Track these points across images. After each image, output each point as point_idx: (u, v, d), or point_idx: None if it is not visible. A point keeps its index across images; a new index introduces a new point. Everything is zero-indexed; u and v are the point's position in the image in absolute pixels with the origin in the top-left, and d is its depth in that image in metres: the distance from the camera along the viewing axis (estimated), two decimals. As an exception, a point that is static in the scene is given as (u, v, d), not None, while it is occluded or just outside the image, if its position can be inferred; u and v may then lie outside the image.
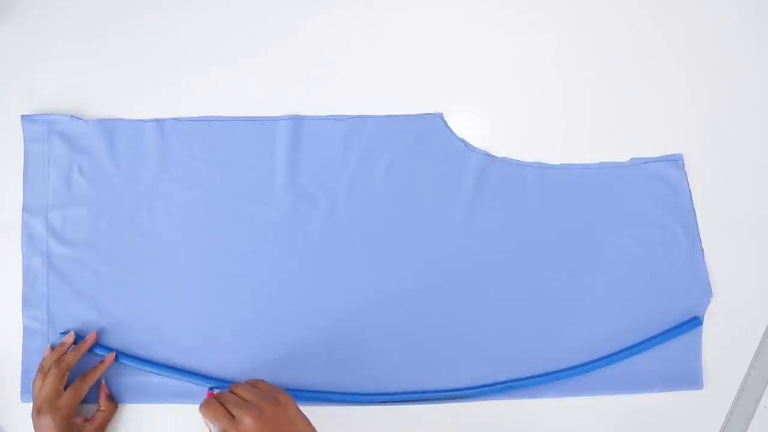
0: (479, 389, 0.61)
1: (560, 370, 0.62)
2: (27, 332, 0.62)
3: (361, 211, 0.64)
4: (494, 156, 0.65)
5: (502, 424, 0.62)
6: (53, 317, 0.62)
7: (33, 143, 0.64)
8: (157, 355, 0.62)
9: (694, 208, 0.65)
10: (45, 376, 0.58)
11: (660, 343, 0.62)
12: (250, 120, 0.65)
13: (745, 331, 0.64)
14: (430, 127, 0.65)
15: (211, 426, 0.48)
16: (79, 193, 0.64)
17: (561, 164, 0.65)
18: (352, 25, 0.67)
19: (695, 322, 0.63)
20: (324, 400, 0.61)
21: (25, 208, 0.63)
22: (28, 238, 0.63)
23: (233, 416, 0.47)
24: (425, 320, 0.63)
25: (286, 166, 0.64)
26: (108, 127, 0.64)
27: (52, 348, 0.61)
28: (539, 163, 0.65)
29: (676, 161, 0.65)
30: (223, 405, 0.48)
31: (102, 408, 0.60)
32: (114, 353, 0.61)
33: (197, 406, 0.49)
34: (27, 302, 0.62)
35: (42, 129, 0.64)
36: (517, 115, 0.66)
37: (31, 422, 0.57)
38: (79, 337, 0.61)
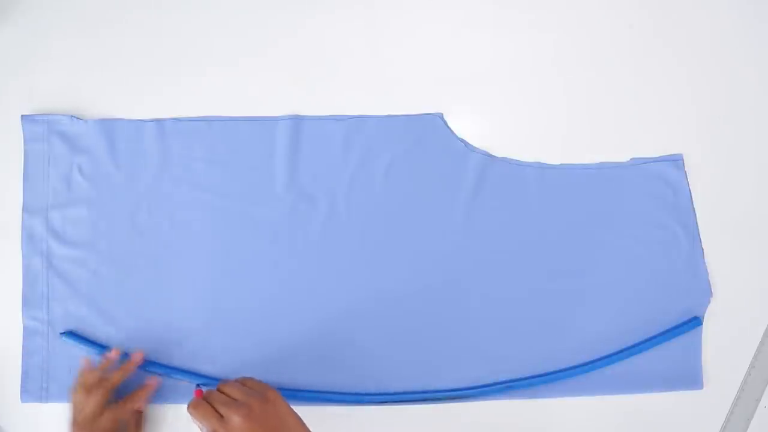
0: (479, 389, 0.61)
1: (560, 370, 0.62)
2: (27, 332, 0.62)
3: (361, 211, 0.64)
4: (494, 156, 0.65)
5: (502, 424, 0.62)
6: (53, 317, 0.62)
7: (33, 143, 0.64)
8: (157, 355, 0.62)
9: (694, 208, 0.65)
10: (88, 392, 0.56)
11: (660, 343, 0.62)
12: (250, 120, 0.65)
13: (745, 331, 0.64)
14: (430, 127, 0.65)
15: (200, 426, 0.48)
16: (79, 193, 0.64)
17: (561, 164, 0.65)
18: (352, 25, 0.67)
19: (695, 322, 0.63)
20: (324, 400, 0.61)
21: (25, 208, 0.63)
22: (28, 238, 0.63)
23: (222, 416, 0.47)
24: (425, 320, 0.63)
25: (286, 166, 0.64)
26: (108, 127, 0.64)
27: (88, 360, 0.59)
28: (539, 163, 0.65)
29: (676, 161, 0.65)
30: (211, 404, 0.48)
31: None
32: (157, 377, 0.59)
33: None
34: (27, 302, 0.62)
35: (42, 129, 0.64)
36: (517, 115, 0.66)
37: (68, 430, 0.55)
38: (123, 355, 0.60)
